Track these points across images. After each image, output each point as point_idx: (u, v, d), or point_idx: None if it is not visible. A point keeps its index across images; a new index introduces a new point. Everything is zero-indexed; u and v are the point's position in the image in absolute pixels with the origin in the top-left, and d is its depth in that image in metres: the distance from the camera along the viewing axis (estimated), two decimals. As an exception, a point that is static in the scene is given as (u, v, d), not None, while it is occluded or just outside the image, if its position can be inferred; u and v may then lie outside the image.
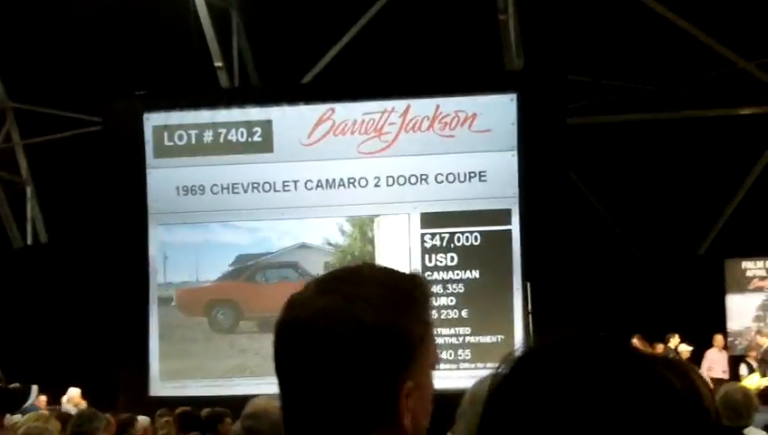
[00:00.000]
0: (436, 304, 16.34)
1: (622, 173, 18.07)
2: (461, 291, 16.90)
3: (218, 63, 18.73)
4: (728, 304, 17.93)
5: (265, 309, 17.36)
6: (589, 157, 17.83)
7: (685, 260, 18.29)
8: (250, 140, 17.56)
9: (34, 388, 14.13)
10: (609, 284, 17.38)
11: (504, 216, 16.95)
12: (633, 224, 18.36)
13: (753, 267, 18.12)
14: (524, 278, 16.51)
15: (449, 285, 16.92)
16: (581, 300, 15.16)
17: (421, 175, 17.15)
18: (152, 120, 17.75)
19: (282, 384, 1.93)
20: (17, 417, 10.02)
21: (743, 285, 18.11)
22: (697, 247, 18.59)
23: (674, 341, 16.07)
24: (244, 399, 5.75)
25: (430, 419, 1.96)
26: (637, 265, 18.23)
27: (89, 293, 17.53)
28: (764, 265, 18.13)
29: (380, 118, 17.22)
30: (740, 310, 18.00)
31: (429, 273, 16.88)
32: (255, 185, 17.57)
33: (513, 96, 16.93)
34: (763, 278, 18.06)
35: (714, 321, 17.38)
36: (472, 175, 17.05)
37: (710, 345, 16.87)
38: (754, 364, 16.17)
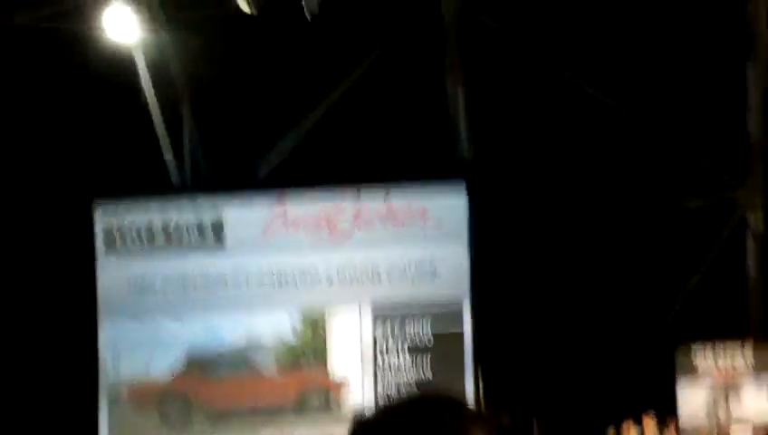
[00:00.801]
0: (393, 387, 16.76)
1: (577, 265, 18.03)
2: (412, 385, 16.71)
3: (169, 157, 18.76)
4: (679, 391, 17.73)
5: (218, 404, 17.47)
6: (543, 247, 17.99)
7: (635, 349, 18.17)
8: (202, 239, 17.51)
9: None
10: (564, 371, 17.32)
11: (456, 314, 16.88)
12: (587, 314, 18.13)
13: (702, 356, 17.91)
14: (476, 378, 16.45)
15: (402, 386, 16.78)
16: (534, 388, 15.33)
17: (373, 269, 17.11)
18: (102, 215, 17.61)
19: None
20: None
21: (693, 374, 17.93)
22: (649, 335, 18.59)
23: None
24: None
25: None
26: (591, 352, 17.92)
27: (37, 390, 17.32)
28: (713, 353, 17.94)
29: (334, 212, 17.22)
30: (690, 398, 17.73)
31: (382, 372, 16.93)
32: (207, 279, 17.43)
33: (464, 188, 16.92)
34: (712, 368, 17.89)
35: (667, 408, 17.40)
36: (423, 270, 17.03)
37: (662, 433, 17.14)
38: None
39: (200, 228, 17.49)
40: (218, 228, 17.44)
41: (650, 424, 16.35)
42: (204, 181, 19.11)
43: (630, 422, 16.42)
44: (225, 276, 17.31)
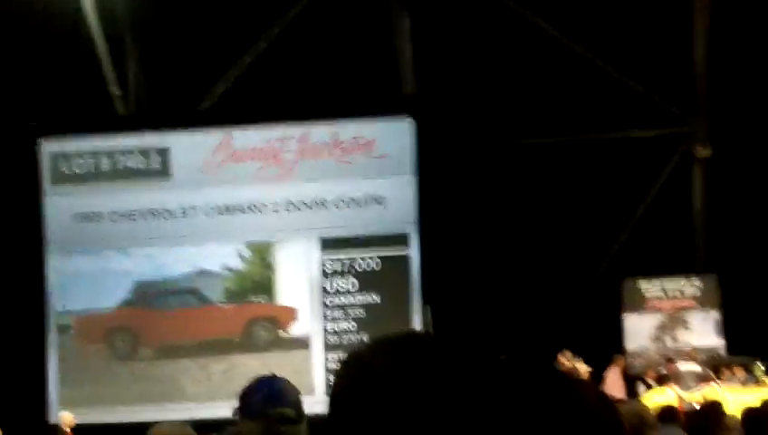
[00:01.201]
0: (337, 328, 17.06)
1: (523, 196, 18.37)
2: (362, 316, 17.17)
3: (115, 90, 18.81)
4: (625, 324, 18.34)
5: (165, 336, 17.77)
6: (489, 179, 18.19)
7: (583, 282, 18.65)
8: (148, 167, 17.67)
9: None
10: (509, 304, 17.67)
11: (402, 240, 17.22)
12: (532, 247, 18.57)
13: (649, 287, 18.55)
14: (424, 302, 16.73)
15: (350, 310, 17.21)
16: (480, 321, 15.47)
17: (320, 200, 17.37)
18: (48, 147, 17.81)
19: None
20: None
21: (640, 305, 18.54)
22: (596, 268, 19.01)
23: (566, 357, 16.51)
24: (146, 425, 5.50)
25: None
26: (536, 285, 18.45)
27: None
28: (661, 284, 18.56)
29: (278, 145, 17.42)
30: (637, 330, 18.37)
31: (330, 298, 17.22)
32: (153, 212, 17.70)
33: (411, 120, 17.15)
34: (659, 299, 18.52)
35: (612, 341, 17.82)
36: (370, 200, 17.29)
37: (609, 365, 17.36)
38: (653, 383, 16.59)
39: (147, 162, 17.59)
40: (165, 162, 17.57)
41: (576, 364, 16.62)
42: (150, 115, 19.08)
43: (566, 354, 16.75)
44: (171, 208, 17.48)
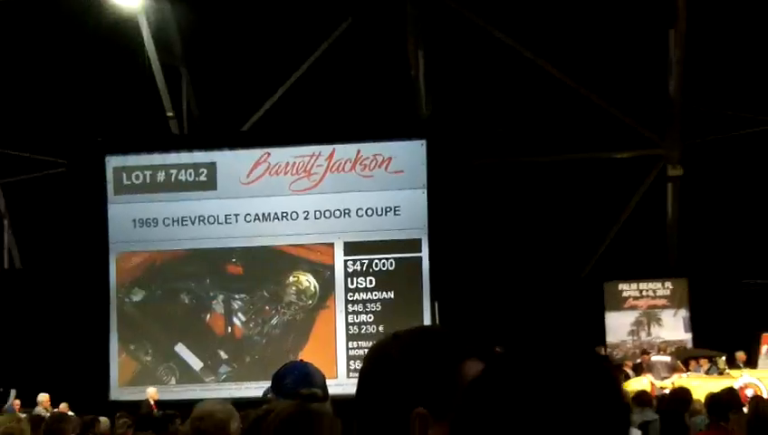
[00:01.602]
0: (357, 320, 17.10)
1: (518, 208, 18.24)
2: (378, 309, 17.20)
3: (169, 113, 18.86)
4: (607, 320, 18.31)
5: None
6: (489, 193, 18.17)
7: (569, 283, 18.59)
8: (196, 179, 17.78)
9: (13, 392, 14.30)
10: (505, 302, 17.57)
11: (415, 245, 17.28)
12: (525, 253, 18.32)
13: (627, 289, 18.49)
14: (432, 299, 16.83)
15: (368, 305, 17.29)
16: (481, 317, 15.54)
17: (344, 209, 17.39)
18: (112, 162, 17.96)
19: None
20: (-3, 416, 10.28)
21: (619, 304, 18.48)
22: (580, 271, 18.96)
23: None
24: (192, 402, 5.59)
25: None
26: (529, 286, 18.32)
27: (58, 311, 17.51)
28: (638, 286, 18.46)
29: (309, 161, 17.45)
30: (616, 326, 18.32)
31: (351, 294, 17.37)
32: (201, 218, 17.74)
33: (423, 142, 17.28)
34: (636, 298, 18.47)
35: (595, 336, 17.73)
36: (387, 209, 17.31)
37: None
38: (630, 372, 16.55)
39: (196, 175, 17.65)
40: (211, 175, 17.66)
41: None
42: (199, 134, 19.15)
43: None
44: (216, 215, 17.50)
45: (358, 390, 1.86)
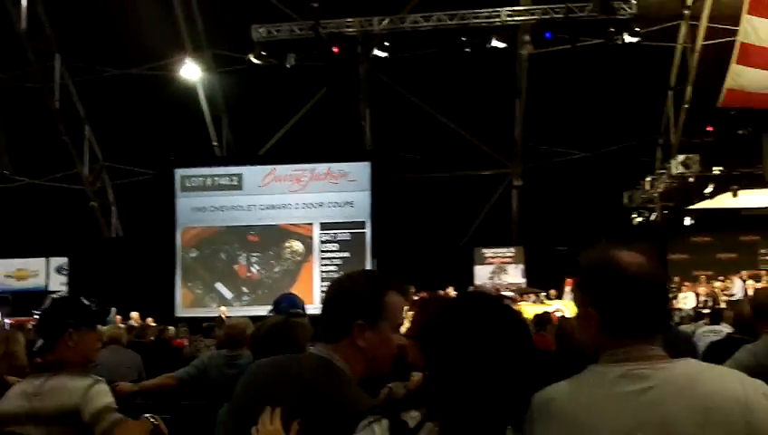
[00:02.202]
0: (326, 269, 17.69)
1: (420, 204, 18.24)
2: (339, 263, 17.78)
3: (215, 143, 19.40)
4: (475, 271, 18.83)
5: None
6: (404, 195, 18.28)
7: (453, 248, 18.89)
8: (230, 183, 18.55)
9: (113, 309, 14.18)
10: (417, 259, 17.16)
11: (362, 224, 18.11)
12: (429, 229, 18.38)
13: (488, 252, 19.17)
14: (373, 257, 17.75)
15: (333, 260, 17.99)
16: (402, 268, 15.11)
17: (319, 203, 18.28)
18: (179, 172, 18.71)
19: None
20: (102, 327, 9.61)
21: (482, 261, 19.17)
22: (460, 241, 19.36)
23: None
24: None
25: (390, 361, 1.97)
26: (430, 251, 18.17)
27: (145, 262, 17.89)
28: (493, 250, 19.09)
29: (300, 174, 18.36)
30: (481, 274, 18.90)
31: (323, 254, 17.98)
32: (233, 207, 18.46)
33: (369, 163, 18.22)
34: (492, 257, 19.07)
35: (467, 280, 17.55)
36: (346, 203, 18.23)
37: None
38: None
39: (229, 181, 18.60)
40: (239, 181, 18.55)
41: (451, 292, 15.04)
42: (232, 156, 19.56)
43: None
44: (243, 206, 18.46)
45: (323, 307, 1.97)
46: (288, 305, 4.11)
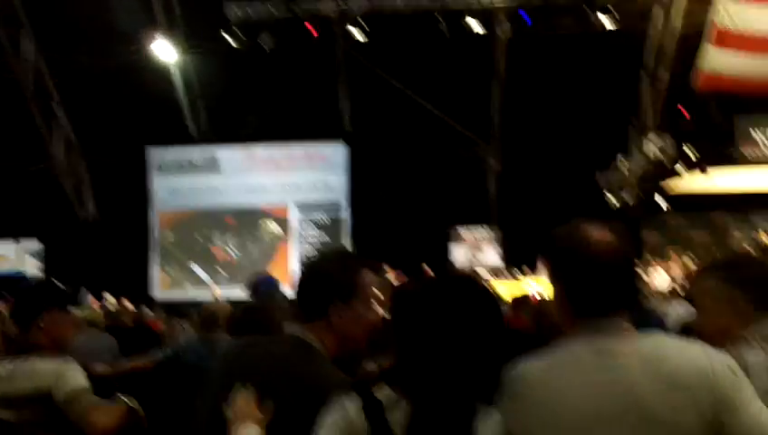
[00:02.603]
0: (303, 250, 17.70)
1: (393, 186, 18.07)
2: (317, 244, 17.90)
3: (190, 123, 19.15)
4: (451, 250, 18.99)
5: None
6: (381, 176, 18.11)
7: (431, 228, 18.60)
8: (206, 165, 18.68)
9: (83, 289, 13.75)
10: (389, 239, 17.02)
11: (339, 205, 18.24)
12: (400, 210, 18.24)
13: (464, 231, 19.29)
14: (350, 237, 17.87)
15: (309, 240, 18.12)
16: (376, 247, 15.10)
17: (296, 184, 18.31)
18: (155, 153, 18.77)
19: None
20: (78, 311, 9.00)
21: (459, 240, 19.24)
22: (437, 222, 18.92)
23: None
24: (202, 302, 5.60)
25: (364, 340, 2.01)
26: (404, 232, 18.02)
27: (122, 243, 17.80)
28: (470, 230, 19.22)
29: (277, 155, 18.35)
30: (457, 254, 19.05)
31: (300, 234, 18.02)
32: (209, 189, 18.64)
33: (346, 144, 18.39)
34: (469, 237, 19.16)
35: (443, 259, 17.81)
36: (324, 185, 18.38)
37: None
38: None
39: (206, 161, 18.68)
40: (215, 162, 18.63)
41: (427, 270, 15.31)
42: (208, 136, 19.35)
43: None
44: (218, 188, 18.53)
45: (297, 288, 2.00)
46: (265, 287, 4.25)
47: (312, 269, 2.04)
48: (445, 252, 18.74)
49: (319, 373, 1.87)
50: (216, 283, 17.81)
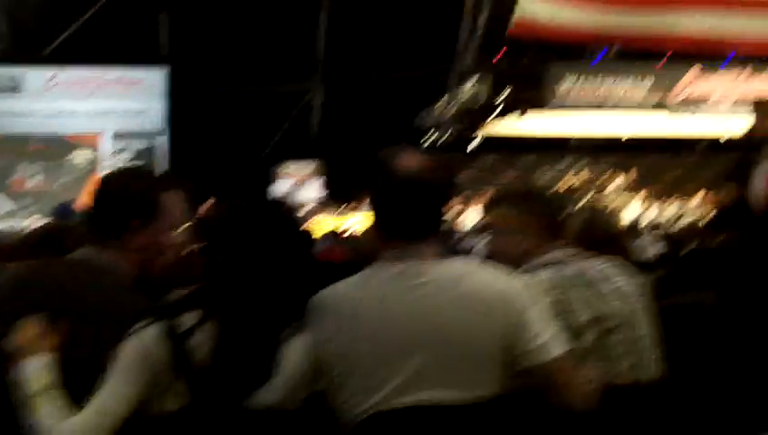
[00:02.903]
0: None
1: (222, 118, 18.30)
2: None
3: None
4: (274, 184, 18.79)
5: None
6: (200, 107, 17.88)
7: (253, 162, 19.05)
8: (7, 84, 17.69)
9: None
10: (216, 169, 16.67)
11: (157, 135, 17.94)
12: (230, 144, 18.40)
13: (288, 167, 19.40)
14: (169, 168, 16.93)
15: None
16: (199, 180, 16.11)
17: (110, 111, 17.77)
18: None
19: None
20: None
21: (282, 175, 19.11)
22: (260, 156, 19.45)
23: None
24: None
25: (166, 265, 1.91)
26: (233, 162, 18.12)
27: None
28: (293, 165, 19.46)
29: (88, 78, 17.67)
30: (280, 188, 18.84)
31: (116, 163, 16.79)
32: (11, 113, 17.63)
33: (165, 69, 17.76)
34: (292, 172, 19.39)
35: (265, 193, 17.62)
36: (140, 112, 17.85)
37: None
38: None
39: (6, 81, 17.64)
40: (17, 82, 17.62)
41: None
42: (9, 54, 18.17)
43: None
44: (21, 112, 17.58)
45: (92, 207, 1.95)
46: (61, 214, 4.26)
47: (108, 185, 1.96)
48: (267, 185, 18.96)
49: (112, 298, 1.81)
50: (22, 212, 17.00)
